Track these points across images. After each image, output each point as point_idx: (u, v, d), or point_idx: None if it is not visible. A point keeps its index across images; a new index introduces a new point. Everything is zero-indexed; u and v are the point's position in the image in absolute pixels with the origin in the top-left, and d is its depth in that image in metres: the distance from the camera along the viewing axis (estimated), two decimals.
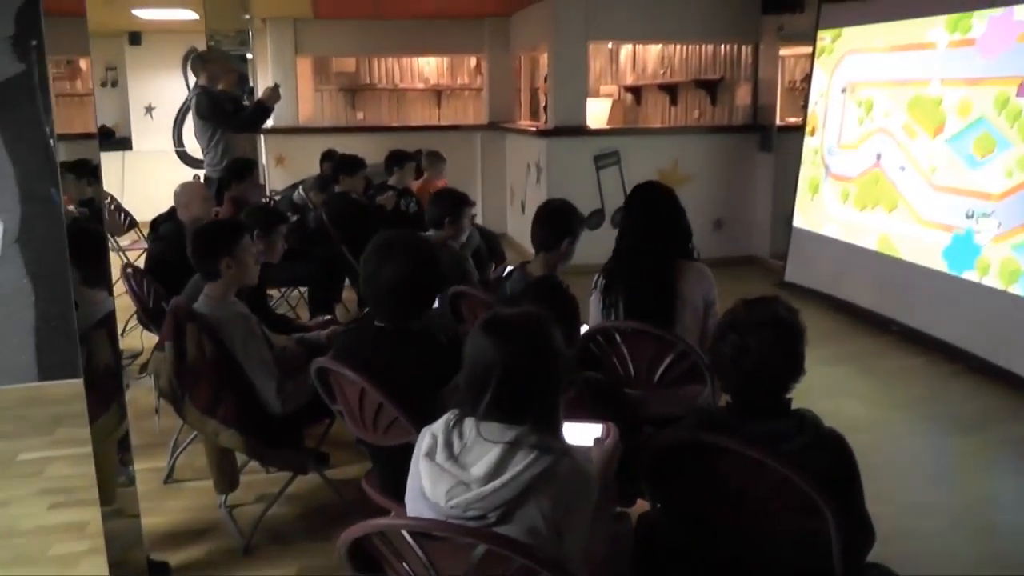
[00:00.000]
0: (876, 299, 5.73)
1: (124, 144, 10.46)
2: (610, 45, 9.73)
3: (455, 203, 4.19)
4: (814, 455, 1.86)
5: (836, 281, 6.15)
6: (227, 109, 6.18)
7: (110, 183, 8.65)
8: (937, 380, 4.76)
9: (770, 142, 7.45)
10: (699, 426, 1.98)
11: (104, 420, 2.64)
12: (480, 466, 1.63)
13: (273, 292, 6.02)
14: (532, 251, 7.22)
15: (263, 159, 8.95)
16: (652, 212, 3.07)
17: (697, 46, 8.54)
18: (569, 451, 1.70)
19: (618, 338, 2.93)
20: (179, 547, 3.11)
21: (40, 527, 3.28)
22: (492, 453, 1.64)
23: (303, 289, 6.00)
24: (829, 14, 6.36)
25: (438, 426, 1.74)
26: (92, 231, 2.58)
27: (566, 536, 1.66)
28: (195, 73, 6.18)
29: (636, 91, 9.72)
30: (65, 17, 2.30)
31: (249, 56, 7.36)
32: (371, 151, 7.05)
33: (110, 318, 2.58)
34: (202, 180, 6.05)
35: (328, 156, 6.72)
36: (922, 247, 5.31)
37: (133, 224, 6.52)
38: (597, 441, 2.05)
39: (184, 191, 4.84)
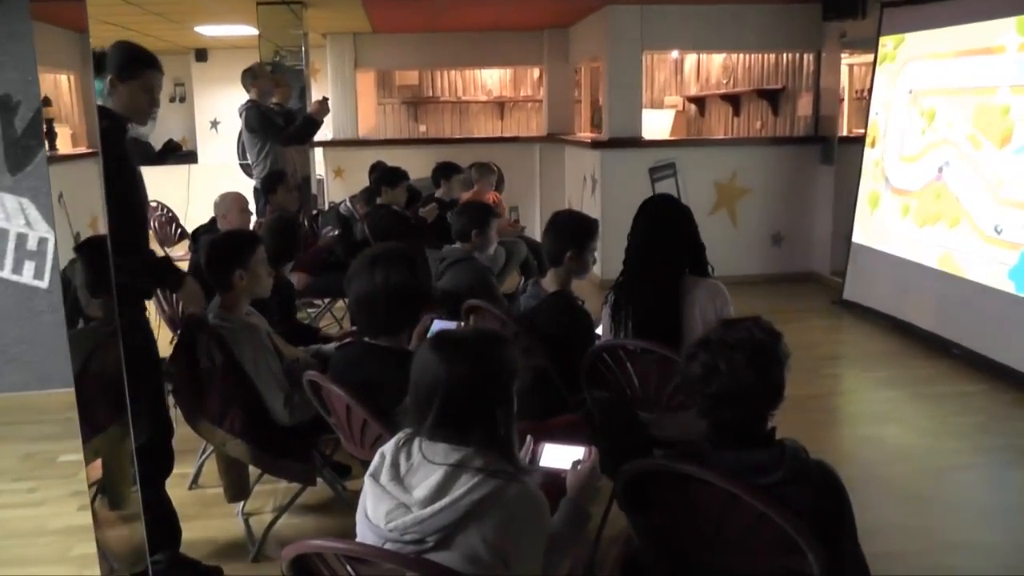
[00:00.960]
0: (936, 320, 5.43)
1: (190, 157, 10.78)
2: (675, 55, 9.58)
3: (482, 215, 4.13)
4: (796, 489, 1.73)
5: (895, 300, 5.86)
6: (276, 123, 6.27)
7: (176, 195, 8.92)
8: (998, 408, 4.45)
9: (831, 154, 7.17)
10: (675, 453, 1.87)
11: (114, 430, 2.66)
12: (422, 488, 1.57)
13: (319, 303, 6.07)
14: (599, 267, 7.13)
15: (320, 171, 9.08)
16: (660, 226, 2.95)
17: (760, 55, 8.31)
18: (519, 475, 1.62)
19: (624, 357, 2.81)
20: (191, 550, 3.09)
21: (67, 527, 3.34)
22: (435, 475, 1.58)
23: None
24: (892, 19, 6.09)
25: (389, 446, 1.68)
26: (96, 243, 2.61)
27: (513, 563, 1.58)
28: (245, 87, 6.30)
29: (700, 102, 9.53)
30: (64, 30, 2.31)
31: (303, 70, 7.45)
32: (430, 164, 7.07)
33: (117, 329, 2.59)
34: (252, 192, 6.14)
35: (375, 168, 6.76)
36: (987, 266, 5.01)
37: (184, 235, 6.67)
38: (575, 464, 1.96)
39: (223, 202, 4.93)
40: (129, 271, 2.67)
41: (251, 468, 3.15)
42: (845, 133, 7.44)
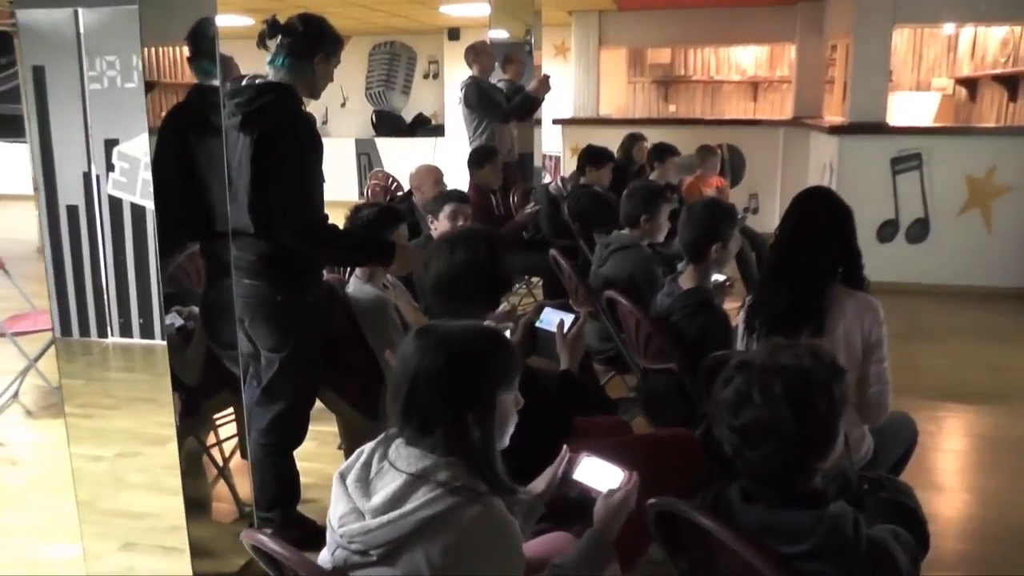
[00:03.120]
0: None
1: (438, 131, 11.30)
2: (949, 29, 8.47)
3: (652, 198, 3.85)
4: (826, 566, 1.42)
5: None
6: (495, 99, 6.35)
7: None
8: None
9: None
10: (705, 500, 1.60)
11: (225, 394, 2.81)
12: (379, 496, 1.47)
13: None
14: None
15: (547, 149, 9.13)
16: (810, 223, 2.51)
17: None
18: (488, 495, 1.46)
19: None
20: (315, 510, 3.15)
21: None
22: (396, 483, 1.47)
23: None
24: None
25: (370, 444, 1.60)
26: None
27: None
28: (468, 64, 6.43)
29: (972, 84, 8.34)
30: None
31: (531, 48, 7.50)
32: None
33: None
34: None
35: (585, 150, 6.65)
36: None
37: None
38: (609, 492, 1.76)
39: (417, 174, 5.08)
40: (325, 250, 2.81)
41: None
42: None
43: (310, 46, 2.71)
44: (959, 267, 6.43)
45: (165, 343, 2.44)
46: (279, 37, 2.70)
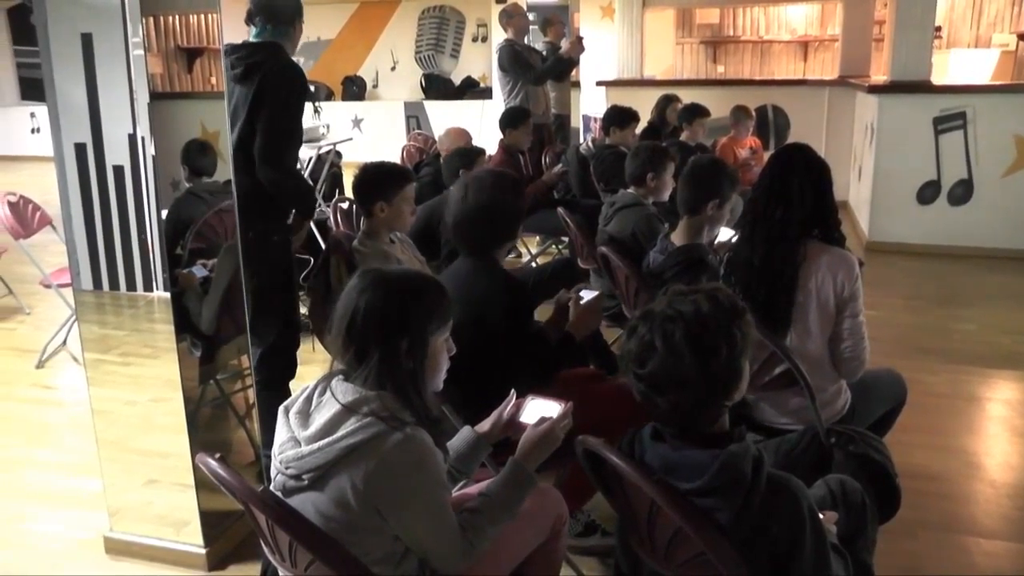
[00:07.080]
0: None
1: (485, 94, 11.32)
2: None
3: (657, 157, 3.86)
4: (719, 502, 1.47)
5: None
6: (528, 61, 6.37)
7: (470, 128, 9.47)
8: None
9: None
10: (623, 440, 1.67)
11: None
12: (314, 425, 1.59)
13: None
14: (866, 225, 6.40)
15: (592, 111, 9.08)
16: (786, 177, 2.49)
17: None
18: (411, 427, 1.57)
19: None
20: None
21: None
22: (329, 414, 1.59)
23: None
24: None
25: (314, 380, 1.72)
26: None
27: (389, 516, 1.57)
28: (502, 26, 6.46)
29: None
30: None
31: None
32: (719, 106, 6.87)
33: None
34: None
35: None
36: None
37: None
38: (539, 422, 1.85)
39: (447, 136, 5.17)
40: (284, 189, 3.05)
41: None
42: None
43: (288, 15, 3.08)
44: (1004, 230, 6.24)
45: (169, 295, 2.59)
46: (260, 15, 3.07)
